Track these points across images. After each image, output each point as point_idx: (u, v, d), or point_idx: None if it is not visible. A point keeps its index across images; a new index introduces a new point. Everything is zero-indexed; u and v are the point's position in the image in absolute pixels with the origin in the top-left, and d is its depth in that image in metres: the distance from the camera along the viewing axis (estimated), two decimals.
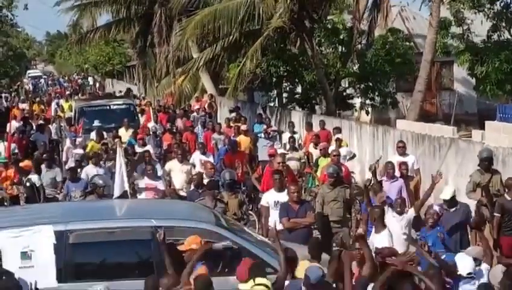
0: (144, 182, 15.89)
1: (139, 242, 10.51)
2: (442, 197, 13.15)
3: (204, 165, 17.12)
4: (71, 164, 19.55)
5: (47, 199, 17.04)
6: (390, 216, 12.46)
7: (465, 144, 17.88)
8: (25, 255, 9.81)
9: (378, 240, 11.31)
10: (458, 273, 9.65)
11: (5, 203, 15.24)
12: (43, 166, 18.27)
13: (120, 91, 52.18)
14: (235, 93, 30.83)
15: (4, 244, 9.88)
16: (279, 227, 12.90)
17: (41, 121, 27.83)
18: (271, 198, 13.86)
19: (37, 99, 39.55)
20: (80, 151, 20.57)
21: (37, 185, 17.07)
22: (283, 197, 13.63)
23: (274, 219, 13.25)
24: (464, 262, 9.76)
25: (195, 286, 8.90)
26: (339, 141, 19.53)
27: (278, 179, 14.04)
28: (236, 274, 9.41)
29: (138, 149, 20.45)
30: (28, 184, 16.97)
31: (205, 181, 15.88)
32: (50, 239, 9.93)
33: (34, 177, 17.20)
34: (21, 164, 17.84)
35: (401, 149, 16.76)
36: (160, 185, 16.09)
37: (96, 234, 10.31)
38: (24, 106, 38.94)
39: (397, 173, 15.14)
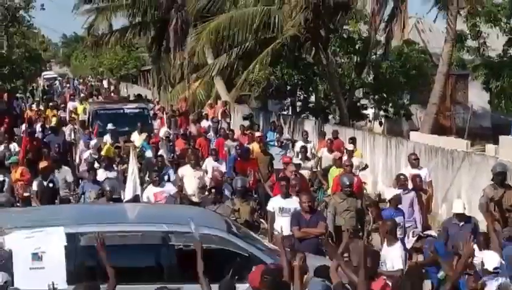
0: (150, 190, 15.80)
1: (149, 247, 10.52)
2: (454, 211, 13.10)
3: (212, 174, 17.08)
4: (84, 166, 19.59)
5: (60, 200, 17.12)
6: None
7: (478, 158, 17.83)
8: (36, 256, 9.80)
9: (391, 253, 11.26)
10: (484, 267, 9.64)
11: (17, 204, 15.23)
12: None
13: (134, 95, 52.29)
14: (237, 93, 30.85)
15: (15, 245, 9.89)
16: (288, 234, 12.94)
17: (53, 124, 27.86)
18: (276, 204, 13.98)
19: (50, 103, 39.62)
20: (89, 152, 20.61)
21: (57, 186, 17.17)
22: (288, 203, 13.80)
23: (280, 225, 13.28)
24: (490, 258, 9.81)
25: None
26: (350, 151, 19.45)
27: (284, 185, 14.11)
28: (248, 280, 9.38)
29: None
30: (51, 185, 17.01)
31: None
32: (61, 241, 9.94)
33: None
34: (41, 165, 17.86)
35: (414, 161, 16.68)
36: (170, 190, 16.02)
37: (107, 237, 10.28)
38: (40, 107, 39.05)
39: (410, 186, 15.08)
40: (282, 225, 12.97)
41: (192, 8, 34.38)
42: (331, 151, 20.46)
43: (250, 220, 14.15)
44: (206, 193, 15.35)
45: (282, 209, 13.72)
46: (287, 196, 13.96)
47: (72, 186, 17.92)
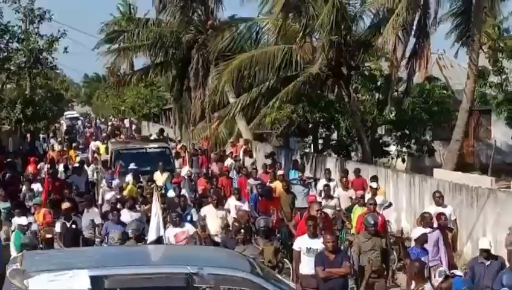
0: (171, 231, 15.74)
1: (174, 289, 10.43)
2: (480, 247, 12.94)
3: (237, 214, 17.02)
4: (107, 207, 19.60)
5: (85, 241, 17.12)
6: None
7: (503, 195, 17.66)
8: None
9: None
10: None
11: (40, 246, 15.22)
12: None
13: (156, 133, 52.49)
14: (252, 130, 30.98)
15: (39, 288, 9.85)
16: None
17: (76, 164, 27.98)
18: (303, 244, 13.85)
19: (74, 144, 39.96)
20: (111, 193, 20.61)
21: (79, 227, 17.18)
22: (315, 244, 13.63)
23: (305, 265, 13.17)
24: None
25: None
26: (374, 190, 19.31)
27: (311, 225, 13.98)
28: None
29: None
30: (73, 226, 17.03)
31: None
32: (85, 284, 9.89)
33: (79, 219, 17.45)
34: (63, 206, 17.90)
35: (439, 199, 16.55)
36: (189, 230, 15.97)
37: (131, 279, 10.24)
38: (60, 147, 39.29)
39: (434, 224, 14.94)
40: (308, 265, 12.91)
41: (213, 47, 34.56)
42: (346, 188, 20.39)
43: (274, 261, 14.05)
44: (232, 233, 15.28)
45: (310, 250, 13.59)
46: (314, 236, 13.83)
47: (99, 228, 17.87)
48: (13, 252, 15.07)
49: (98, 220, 18.04)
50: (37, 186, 23.34)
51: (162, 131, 44.82)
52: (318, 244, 13.51)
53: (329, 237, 13.13)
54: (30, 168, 27.88)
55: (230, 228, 16.13)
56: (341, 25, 25.85)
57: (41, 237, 15.82)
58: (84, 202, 19.15)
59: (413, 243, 14.23)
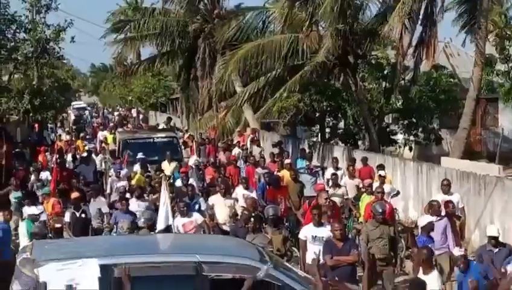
0: (179, 220, 15.74)
1: (183, 277, 10.48)
2: (488, 234, 12.98)
3: (246, 202, 17.08)
4: (115, 196, 19.65)
5: (94, 231, 17.19)
6: None
7: (511, 182, 17.68)
8: (70, 288, 9.82)
9: (428, 282, 11.10)
10: None
11: (49, 235, 15.30)
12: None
13: (164, 122, 52.53)
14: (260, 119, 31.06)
15: (49, 277, 9.92)
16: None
17: (84, 154, 28.04)
18: (309, 232, 13.96)
19: (81, 134, 39.94)
20: (122, 183, 20.65)
21: (89, 216, 17.25)
22: (321, 232, 13.73)
23: (312, 253, 13.24)
24: None
25: None
26: (382, 178, 19.34)
27: (316, 213, 14.05)
28: None
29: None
30: (83, 215, 17.10)
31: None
32: (95, 273, 9.94)
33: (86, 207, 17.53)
34: (72, 196, 17.96)
35: (446, 187, 16.58)
36: (197, 219, 16.01)
37: (141, 268, 10.30)
38: (68, 137, 39.36)
39: (442, 212, 14.98)
40: (315, 253, 12.97)
41: (220, 37, 34.57)
42: (352, 177, 20.42)
43: (282, 249, 14.11)
44: (241, 221, 15.32)
45: (315, 238, 13.68)
46: (319, 224, 13.90)
47: (105, 217, 17.93)
48: (23, 242, 15.16)
49: (105, 209, 18.09)
50: (46, 175, 23.40)
51: (169, 119, 44.82)
52: (323, 232, 13.62)
53: (337, 225, 13.20)
54: (40, 158, 27.96)
55: (239, 217, 16.19)
56: (347, 14, 25.84)
57: (50, 227, 15.89)
58: (90, 192, 19.23)
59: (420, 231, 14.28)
